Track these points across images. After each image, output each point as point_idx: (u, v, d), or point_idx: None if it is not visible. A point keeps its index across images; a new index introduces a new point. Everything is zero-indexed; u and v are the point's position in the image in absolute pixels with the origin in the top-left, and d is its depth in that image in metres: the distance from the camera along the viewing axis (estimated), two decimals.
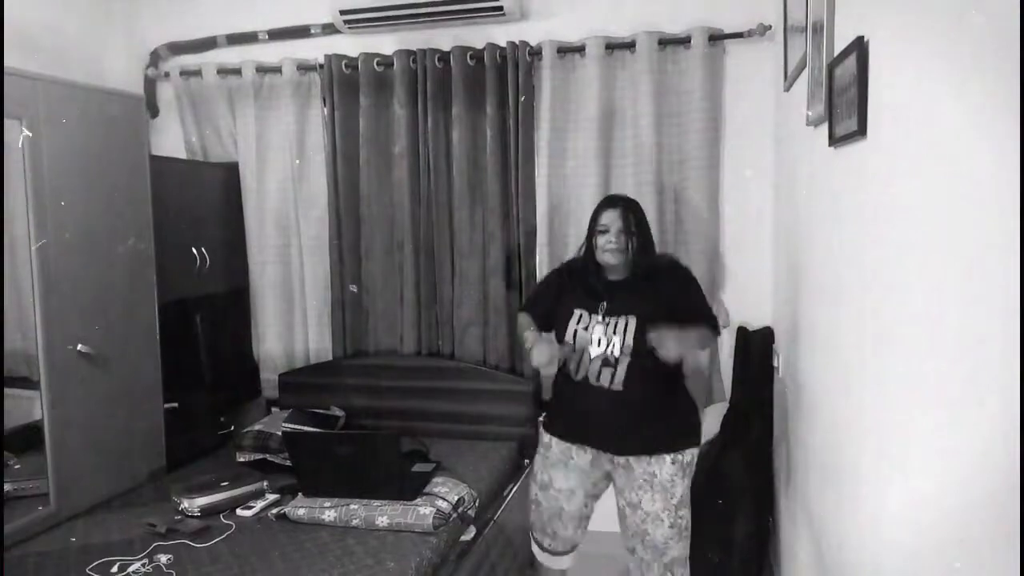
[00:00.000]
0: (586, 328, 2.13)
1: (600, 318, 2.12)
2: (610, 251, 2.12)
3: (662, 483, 2.13)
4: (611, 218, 2.13)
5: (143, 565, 2.03)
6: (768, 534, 2.76)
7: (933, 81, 1.05)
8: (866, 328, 1.39)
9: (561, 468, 2.24)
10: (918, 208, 1.10)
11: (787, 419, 2.43)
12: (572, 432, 2.23)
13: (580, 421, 2.22)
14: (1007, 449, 0.78)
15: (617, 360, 2.09)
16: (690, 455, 2.17)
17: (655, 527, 2.15)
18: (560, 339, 2.17)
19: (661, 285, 2.15)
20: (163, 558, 2.06)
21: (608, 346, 2.09)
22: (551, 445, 2.26)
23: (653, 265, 2.17)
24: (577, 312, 2.16)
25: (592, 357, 2.12)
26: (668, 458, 2.13)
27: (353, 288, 3.21)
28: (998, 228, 0.83)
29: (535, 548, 2.41)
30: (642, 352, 2.05)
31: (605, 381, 2.11)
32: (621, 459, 2.17)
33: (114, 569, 2.01)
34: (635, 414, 2.13)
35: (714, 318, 2.24)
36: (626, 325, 2.09)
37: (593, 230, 2.17)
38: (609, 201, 2.21)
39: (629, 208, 2.15)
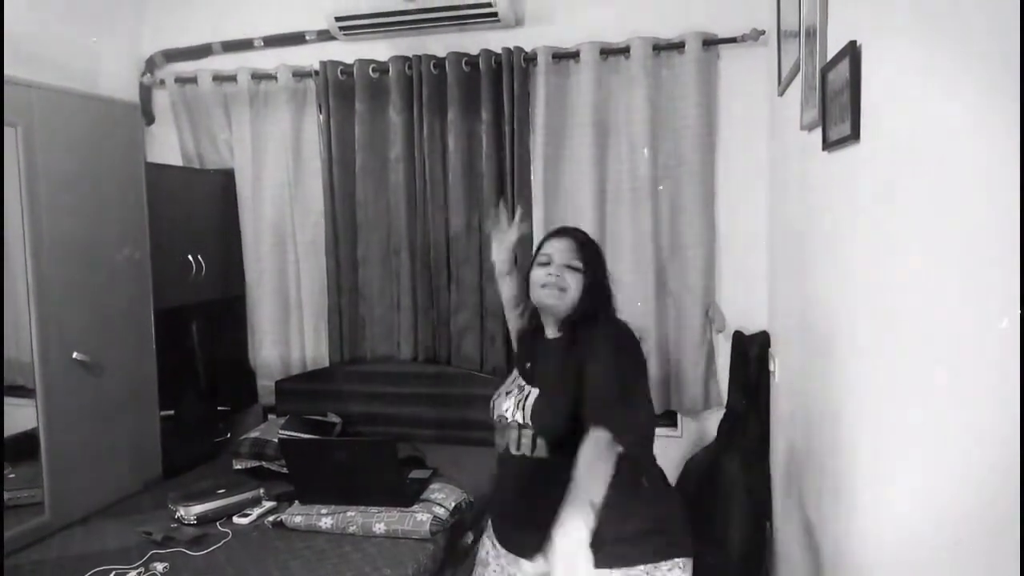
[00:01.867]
0: (505, 394, 1.77)
1: (521, 383, 1.75)
2: (547, 288, 1.67)
3: None
4: (555, 248, 1.70)
5: (139, 574, 2.03)
6: (765, 537, 2.75)
7: (926, 85, 1.06)
8: (862, 331, 1.39)
9: None
10: (912, 211, 1.10)
11: (783, 422, 2.43)
12: (494, 526, 1.77)
13: (499, 508, 1.79)
14: (1006, 451, 0.79)
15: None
16: None
17: None
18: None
19: (575, 349, 1.65)
20: (159, 566, 2.05)
21: (513, 417, 1.70)
22: (487, 561, 1.77)
23: (584, 319, 1.67)
24: (513, 373, 1.83)
25: (507, 422, 1.71)
26: None
27: None
28: (994, 230, 0.83)
29: None
30: (543, 431, 1.63)
31: (526, 448, 1.66)
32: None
33: None
34: (553, 490, 1.38)
35: (617, 412, 1.51)
36: (526, 397, 1.69)
37: (533, 260, 1.73)
38: (558, 230, 1.80)
39: (580, 241, 1.72)
